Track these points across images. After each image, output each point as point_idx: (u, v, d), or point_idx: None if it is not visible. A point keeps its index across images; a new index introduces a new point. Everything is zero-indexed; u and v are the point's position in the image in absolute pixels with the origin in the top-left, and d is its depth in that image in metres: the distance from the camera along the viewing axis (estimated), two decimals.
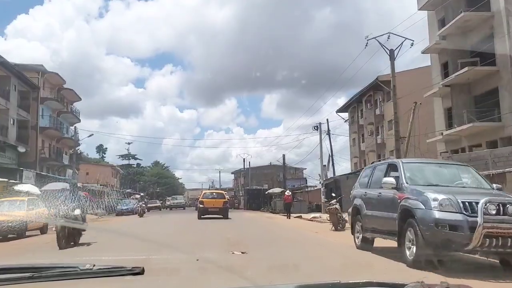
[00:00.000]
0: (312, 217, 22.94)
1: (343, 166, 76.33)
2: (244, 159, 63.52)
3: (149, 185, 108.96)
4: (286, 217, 25.80)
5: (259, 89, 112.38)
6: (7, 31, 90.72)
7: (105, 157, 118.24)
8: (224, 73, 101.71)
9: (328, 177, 31.16)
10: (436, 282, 1.44)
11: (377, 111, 37.73)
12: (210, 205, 24.01)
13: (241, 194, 64.92)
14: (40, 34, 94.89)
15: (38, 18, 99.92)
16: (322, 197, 27.86)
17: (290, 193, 26.37)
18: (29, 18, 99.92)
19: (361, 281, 1.55)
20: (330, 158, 31.32)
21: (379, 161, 23.23)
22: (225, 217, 23.60)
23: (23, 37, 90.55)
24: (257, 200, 49.10)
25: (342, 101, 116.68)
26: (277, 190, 43.20)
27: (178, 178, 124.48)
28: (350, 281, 1.58)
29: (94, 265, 1.85)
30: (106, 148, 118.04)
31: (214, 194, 27.27)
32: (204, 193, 28.22)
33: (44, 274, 1.77)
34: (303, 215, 26.08)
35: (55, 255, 9.28)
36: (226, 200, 26.10)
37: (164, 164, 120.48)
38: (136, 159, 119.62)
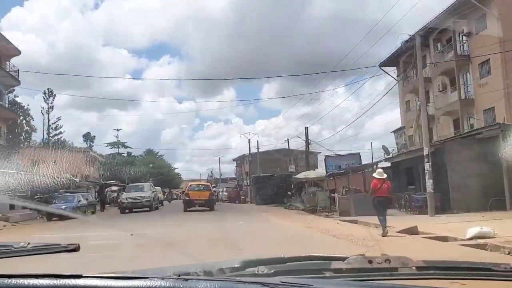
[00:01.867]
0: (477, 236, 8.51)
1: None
2: (249, 140, 50.16)
3: (141, 176, 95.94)
4: (369, 227, 12.48)
5: (257, 78, 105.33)
6: (1, 24, 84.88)
7: (93, 146, 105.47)
8: (222, 63, 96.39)
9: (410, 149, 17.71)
10: (377, 255, 1.42)
11: (451, 53, 24.54)
12: (195, 197, 23.46)
13: (246, 184, 51.73)
14: (35, 27, 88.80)
15: (33, 10, 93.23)
16: (429, 183, 14.27)
17: (385, 175, 10.86)
18: (24, 10, 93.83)
19: (303, 255, 1.58)
20: (419, 117, 17.33)
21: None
22: (211, 209, 23.18)
23: (18, 30, 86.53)
24: (270, 191, 35.89)
25: (342, 90, 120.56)
26: (311, 174, 28.31)
27: (174, 168, 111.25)
28: (292, 255, 1.58)
29: (28, 243, 1.81)
30: (94, 137, 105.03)
31: (200, 186, 26.50)
32: (190, 185, 27.05)
33: None
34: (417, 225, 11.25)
35: None
36: (212, 192, 26.01)
37: (158, 153, 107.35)
38: (126, 147, 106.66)
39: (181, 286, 1.05)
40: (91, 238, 6.45)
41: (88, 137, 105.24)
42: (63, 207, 20.98)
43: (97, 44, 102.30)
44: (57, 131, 71.66)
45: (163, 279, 1.09)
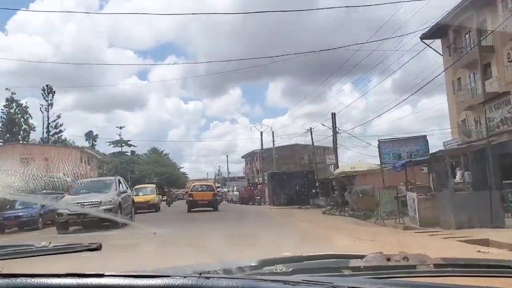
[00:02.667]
0: None
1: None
2: (261, 132, 44.38)
3: (145, 175, 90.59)
4: None
5: (263, 77, 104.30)
6: (7, 27, 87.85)
7: (95, 145, 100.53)
8: (227, 62, 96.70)
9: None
10: (395, 252, 1.43)
11: None
12: (199, 197, 23.05)
13: (258, 182, 45.91)
14: (41, 29, 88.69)
15: (38, 12, 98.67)
16: None
17: None
18: (29, 12, 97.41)
19: (321, 253, 1.60)
20: None
21: None
22: (215, 209, 22.83)
23: (24, 32, 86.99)
24: (290, 189, 30.24)
25: (348, 87, 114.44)
26: (361, 166, 20.45)
27: (180, 167, 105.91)
28: (311, 254, 1.60)
29: (50, 243, 1.80)
30: (97, 135, 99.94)
31: (204, 186, 26.31)
32: (194, 185, 27.00)
33: None
34: None
35: None
36: (216, 192, 25.56)
37: (163, 151, 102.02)
38: (130, 145, 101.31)
39: (203, 284, 1.05)
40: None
41: (90, 136, 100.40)
42: (20, 213, 15.48)
43: (102, 45, 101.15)
44: (57, 130, 66.59)
45: (184, 277, 1.10)
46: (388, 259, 1.38)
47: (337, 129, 28.86)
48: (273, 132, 45.52)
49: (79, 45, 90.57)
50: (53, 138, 64.37)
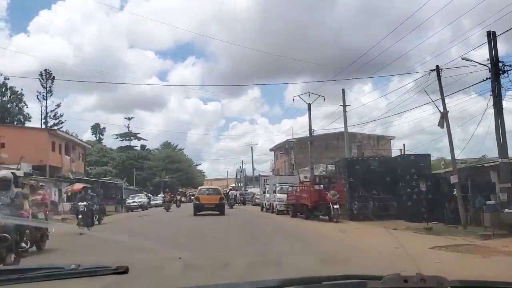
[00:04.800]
0: None
1: None
2: (309, 104, 28.41)
3: (154, 173, 75.60)
4: None
5: (282, 77, 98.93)
6: (29, 28, 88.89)
7: (102, 138, 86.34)
8: (246, 62, 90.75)
9: None
10: (412, 274, 1.38)
11: None
12: (206, 201, 21.95)
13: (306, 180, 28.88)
14: (62, 29, 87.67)
15: (60, 13, 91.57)
16: None
17: None
18: (51, 13, 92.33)
19: (339, 274, 1.57)
20: None
21: None
22: (222, 213, 21.43)
23: (46, 33, 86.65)
24: (393, 191, 14.48)
25: (368, 87, 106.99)
26: None
27: (196, 164, 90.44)
28: (329, 275, 1.58)
29: (79, 265, 1.81)
30: (104, 128, 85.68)
31: (210, 190, 24.04)
32: (200, 189, 24.96)
33: (30, 276, 1.74)
34: None
35: None
36: (222, 196, 23.49)
37: (176, 146, 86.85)
38: (139, 138, 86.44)
39: None
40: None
41: (97, 129, 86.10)
42: None
43: (123, 46, 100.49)
44: (57, 120, 52.23)
45: None
46: (406, 281, 1.34)
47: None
48: (309, 110, 29.43)
49: (100, 46, 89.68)
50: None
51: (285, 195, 20.12)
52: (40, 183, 27.86)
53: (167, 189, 31.05)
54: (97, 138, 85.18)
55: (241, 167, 67.18)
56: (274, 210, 21.55)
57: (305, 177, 21.58)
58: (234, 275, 4.94)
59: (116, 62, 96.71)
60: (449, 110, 14.38)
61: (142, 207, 32.72)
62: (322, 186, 15.28)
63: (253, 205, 42.84)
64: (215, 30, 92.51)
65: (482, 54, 18.82)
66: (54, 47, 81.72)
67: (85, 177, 37.13)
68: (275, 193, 21.23)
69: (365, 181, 17.78)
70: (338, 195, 14.95)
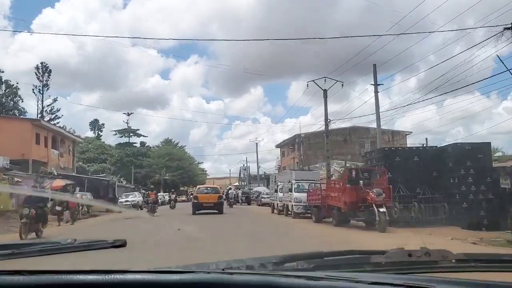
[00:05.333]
0: None
1: None
2: (325, 91, 24.56)
3: (154, 170, 71.68)
4: None
5: (285, 76, 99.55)
6: (33, 26, 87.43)
7: (101, 135, 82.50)
8: (249, 61, 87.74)
9: None
10: (416, 248, 1.35)
11: None
12: (204, 200, 21.45)
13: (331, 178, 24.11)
14: (65, 28, 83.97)
15: (63, 11, 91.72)
16: None
17: None
18: (55, 12, 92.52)
19: (343, 249, 1.56)
20: None
21: None
22: (220, 212, 21.10)
23: (49, 31, 73.56)
24: (443, 189, 10.78)
25: (371, 87, 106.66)
26: None
27: (198, 162, 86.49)
28: (332, 250, 1.57)
29: (75, 240, 1.76)
30: (103, 124, 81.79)
31: (209, 189, 23.93)
32: (199, 188, 25.19)
33: (24, 251, 1.72)
34: None
35: None
36: (221, 195, 23.15)
37: (177, 143, 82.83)
38: (139, 135, 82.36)
39: (226, 279, 1.02)
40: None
41: (95, 125, 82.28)
42: None
43: (125, 44, 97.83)
44: (53, 115, 48.65)
45: (208, 273, 1.07)
46: (410, 255, 1.32)
47: None
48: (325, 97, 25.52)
49: (102, 44, 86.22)
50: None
51: (304, 195, 16.14)
52: (16, 179, 24.22)
53: (152, 186, 26.19)
54: (96, 134, 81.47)
55: (245, 165, 62.93)
56: (290, 212, 17.55)
57: (341, 168, 17.24)
58: None
59: (118, 60, 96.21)
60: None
61: (136, 207, 28.84)
62: (361, 182, 11.28)
63: (258, 205, 38.97)
64: (217, 29, 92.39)
65: None
66: (57, 45, 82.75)
67: (74, 173, 33.22)
68: (291, 191, 17.14)
69: (407, 177, 13.86)
70: (384, 194, 10.98)
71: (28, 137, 29.07)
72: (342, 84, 27.83)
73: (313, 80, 27.70)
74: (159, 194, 45.49)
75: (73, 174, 32.88)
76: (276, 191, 20.87)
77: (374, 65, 17.81)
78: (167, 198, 38.17)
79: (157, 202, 21.81)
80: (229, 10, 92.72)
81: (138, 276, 1.03)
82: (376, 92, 17.78)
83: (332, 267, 1.34)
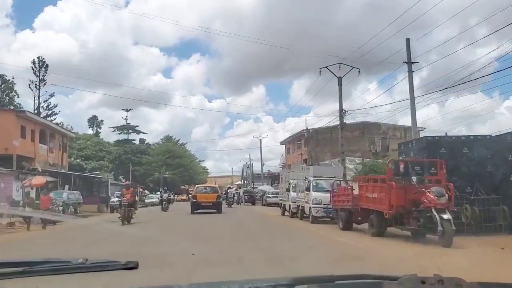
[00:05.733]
0: None
1: None
2: (340, 78, 21.59)
3: (154, 168, 68.72)
4: None
5: (287, 75, 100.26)
6: (35, 24, 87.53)
7: (100, 132, 79.59)
8: (251, 60, 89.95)
9: None
10: (430, 275, 1.30)
11: None
12: (203, 199, 21.15)
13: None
14: (67, 26, 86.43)
15: (65, 9, 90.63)
16: None
17: None
18: (57, 10, 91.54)
19: (355, 273, 1.52)
20: None
21: None
22: (219, 211, 20.79)
23: (51, 29, 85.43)
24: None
25: (373, 86, 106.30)
26: None
27: (200, 160, 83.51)
28: (344, 274, 1.52)
29: (87, 260, 1.69)
30: (102, 121, 78.81)
31: (208, 188, 24.03)
32: (197, 187, 25.04)
33: (35, 269, 1.66)
34: None
35: None
36: (219, 194, 23.02)
37: (178, 140, 79.74)
38: (138, 132, 79.30)
39: None
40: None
41: (94, 121, 79.44)
42: None
43: (127, 42, 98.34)
44: (50, 112, 45.98)
45: None
46: (423, 282, 1.28)
47: None
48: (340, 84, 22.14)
49: (104, 42, 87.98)
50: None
51: (325, 195, 13.15)
52: None
53: (128, 183, 20.50)
54: (95, 131, 78.64)
55: (248, 162, 59.97)
56: (306, 215, 14.56)
57: (356, 165, 13.99)
58: None
59: (121, 58, 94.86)
60: None
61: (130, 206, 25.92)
62: (414, 178, 8.31)
63: (263, 204, 36.08)
64: (220, 27, 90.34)
65: None
66: (59, 44, 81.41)
67: (63, 170, 30.32)
68: (309, 191, 14.12)
69: (457, 174, 10.90)
70: (446, 195, 8.00)
71: (12, 130, 26.13)
72: (359, 71, 25.08)
73: (326, 67, 24.87)
74: (157, 193, 42.39)
75: (62, 171, 29.95)
76: (287, 190, 17.88)
77: (407, 40, 14.80)
78: (156, 199, 34.84)
79: (135, 204, 16.11)
80: (232, 8, 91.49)
81: None
82: (410, 71, 14.77)
83: None
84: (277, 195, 34.37)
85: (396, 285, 1.33)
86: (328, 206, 12.90)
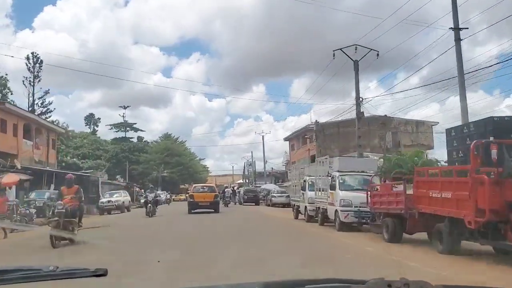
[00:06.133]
0: None
1: None
2: (356, 61, 18.62)
3: (152, 167, 65.77)
4: None
5: (287, 73, 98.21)
6: (34, 24, 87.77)
7: (97, 130, 76.61)
8: (251, 59, 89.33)
9: None
10: (396, 279, 1.29)
11: None
12: (200, 199, 20.76)
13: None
14: (67, 25, 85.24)
15: (65, 9, 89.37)
16: None
17: None
18: (56, 9, 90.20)
19: (322, 278, 1.53)
20: None
21: None
22: (216, 211, 20.52)
23: (51, 29, 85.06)
24: None
25: (373, 84, 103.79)
26: None
27: (200, 159, 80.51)
28: (311, 278, 1.53)
29: (57, 267, 1.72)
30: (99, 119, 75.75)
31: (205, 187, 23.38)
32: (195, 187, 24.43)
33: (6, 277, 1.68)
34: None
35: None
36: (217, 194, 22.54)
37: (177, 138, 76.72)
38: (136, 129, 76.17)
39: None
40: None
41: (91, 119, 76.52)
42: None
43: (127, 42, 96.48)
44: (45, 109, 43.34)
45: None
46: (389, 286, 1.28)
47: None
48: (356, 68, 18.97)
49: (104, 42, 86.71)
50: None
51: (355, 194, 10.23)
52: None
53: (71, 175, 10.42)
54: (92, 129, 75.67)
55: (250, 160, 57.06)
56: (330, 220, 11.61)
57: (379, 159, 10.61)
58: None
59: (120, 58, 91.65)
60: None
61: (120, 208, 23.03)
62: None
63: (267, 205, 33.31)
64: (220, 26, 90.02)
65: None
66: (58, 43, 78.96)
67: (48, 168, 27.38)
68: (334, 189, 11.13)
69: None
70: None
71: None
72: (377, 54, 22.17)
73: (340, 49, 21.95)
74: (155, 192, 39.01)
75: (48, 168, 27.01)
76: (303, 188, 14.92)
77: (454, 2, 11.76)
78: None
79: (77, 212, 9.50)
80: (231, 8, 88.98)
81: None
82: (457, 39, 11.75)
83: None
84: (283, 195, 31.57)
85: None
86: (362, 208, 9.99)
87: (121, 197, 24.19)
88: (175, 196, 51.50)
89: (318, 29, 75.36)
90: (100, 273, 1.69)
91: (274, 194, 31.41)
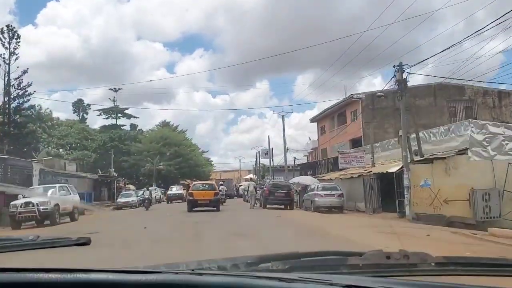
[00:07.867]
0: None
1: None
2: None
3: (146, 158, 54.15)
4: None
5: (291, 69, 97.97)
6: (37, 20, 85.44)
7: (86, 118, 65.22)
8: (254, 55, 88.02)
9: None
10: (395, 250, 1.31)
11: None
12: (200, 197, 20.15)
13: None
14: (70, 21, 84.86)
15: (68, 5, 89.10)
16: None
17: None
18: (59, 5, 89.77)
19: (319, 250, 1.50)
20: None
21: None
22: (217, 209, 19.85)
23: (54, 25, 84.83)
24: None
25: (378, 80, 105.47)
26: None
27: (203, 151, 68.91)
28: (309, 251, 1.48)
29: (38, 236, 1.68)
30: (89, 105, 64.05)
31: (205, 185, 22.12)
32: (194, 184, 23.25)
33: None
34: None
35: None
36: (217, 191, 21.28)
37: (177, 126, 65.10)
38: (129, 116, 64.17)
39: (195, 280, 0.96)
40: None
41: (79, 106, 64.73)
42: None
43: (130, 38, 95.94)
44: (22, 91, 32.05)
45: (176, 273, 1.01)
46: (388, 257, 1.28)
47: None
48: None
49: (107, 38, 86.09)
50: (15, 103, 33.45)
51: None
52: None
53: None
54: (80, 117, 64.25)
55: (265, 148, 45.47)
56: None
57: None
58: None
59: (123, 54, 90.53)
60: None
61: (48, 216, 11.92)
62: None
63: (306, 209, 22.02)
64: (223, 22, 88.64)
65: None
66: (61, 39, 79.90)
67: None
68: None
69: None
70: None
71: None
72: None
73: None
74: (150, 188, 27.71)
75: None
76: None
77: None
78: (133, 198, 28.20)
79: None
80: (235, 3, 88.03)
81: (102, 276, 0.95)
82: None
83: (308, 268, 1.28)
84: (335, 193, 20.34)
85: (360, 260, 1.30)
86: None
87: (56, 195, 12.81)
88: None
89: (322, 23, 72.76)
90: (83, 242, 1.63)
91: (318, 192, 20.10)
